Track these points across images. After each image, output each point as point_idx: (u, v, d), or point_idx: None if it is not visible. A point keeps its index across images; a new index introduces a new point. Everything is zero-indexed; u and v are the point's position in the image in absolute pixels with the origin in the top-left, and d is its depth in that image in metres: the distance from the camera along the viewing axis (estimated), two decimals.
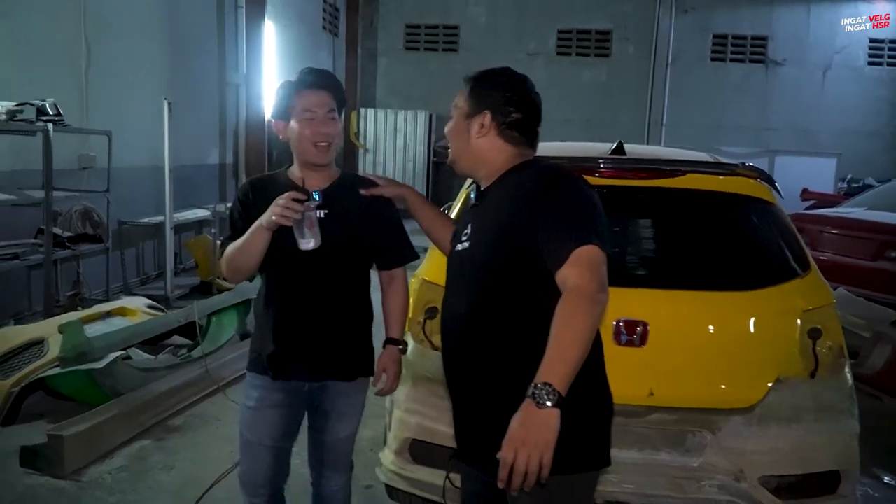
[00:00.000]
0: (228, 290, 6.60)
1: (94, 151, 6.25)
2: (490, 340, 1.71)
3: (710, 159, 2.81)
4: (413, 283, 2.79)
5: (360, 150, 14.73)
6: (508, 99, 1.76)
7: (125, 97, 6.88)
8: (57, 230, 5.39)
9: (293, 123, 2.05)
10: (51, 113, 5.04)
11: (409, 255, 2.30)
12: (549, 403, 1.40)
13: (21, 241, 5.16)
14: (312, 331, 2.12)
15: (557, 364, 1.44)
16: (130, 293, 6.62)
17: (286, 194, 1.92)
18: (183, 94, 7.60)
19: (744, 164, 2.67)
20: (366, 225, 2.16)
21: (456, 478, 2.48)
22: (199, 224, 8.26)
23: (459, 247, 1.81)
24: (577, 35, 15.55)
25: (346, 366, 2.20)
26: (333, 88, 2.10)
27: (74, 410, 3.73)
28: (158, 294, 6.59)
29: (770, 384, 2.35)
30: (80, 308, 5.36)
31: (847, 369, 2.49)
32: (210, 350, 4.55)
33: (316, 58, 12.96)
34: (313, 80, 2.06)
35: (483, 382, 1.72)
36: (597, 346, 1.73)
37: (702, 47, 15.38)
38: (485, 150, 1.79)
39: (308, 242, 1.94)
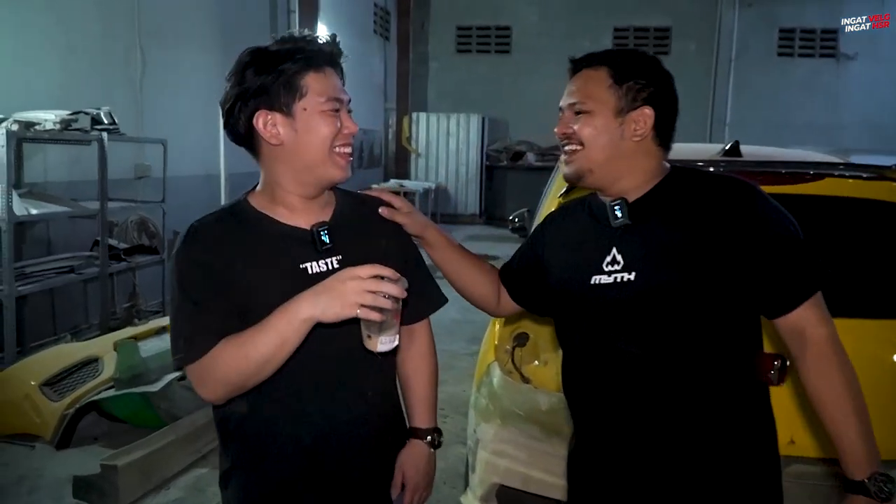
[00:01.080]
0: None
1: (149, 160, 6.14)
2: (680, 387, 1.40)
3: (841, 161, 2.43)
4: None
5: (413, 155, 14.52)
6: (667, 92, 1.43)
7: (179, 105, 6.77)
8: (112, 241, 5.26)
9: (301, 118, 1.32)
10: (105, 122, 4.89)
11: (436, 301, 1.62)
12: (891, 492, 1.24)
13: (77, 253, 5.03)
14: (351, 436, 1.44)
15: (868, 444, 1.27)
16: None
17: (366, 271, 1.20)
18: None
19: (894, 166, 2.28)
20: (386, 260, 1.38)
21: None
22: None
23: (603, 279, 1.43)
24: (634, 33, 15.05)
25: (388, 468, 1.57)
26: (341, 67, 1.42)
27: (129, 434, 3.55)
28: None
29: None
30: (136, 321, 5.22)
31: None
32: None
33: (368, 62, 12.83)
34: (333, 53, 1.37)
35: (656, 434, 1.42)
36: (765, 394, 1.48)
37: (767, 42, 14.70)
38: (638, 155, 1.42)
39: (392, 341, 1.25)
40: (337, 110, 1.35)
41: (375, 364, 1.43)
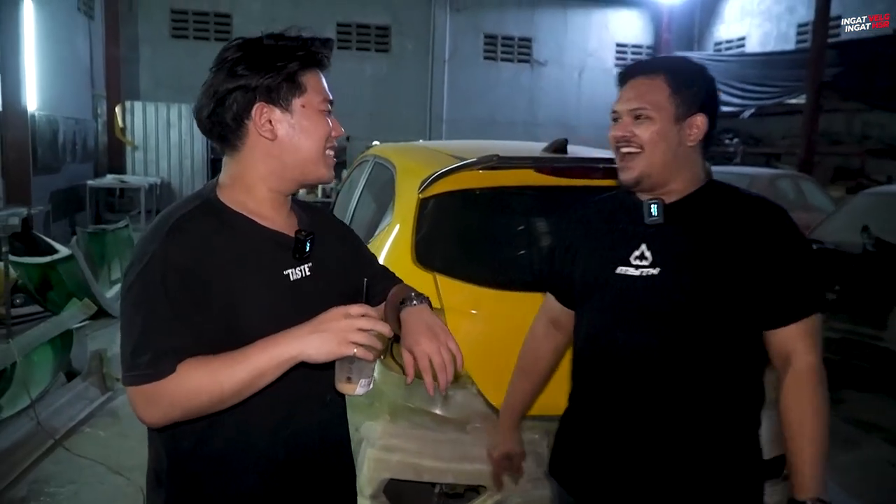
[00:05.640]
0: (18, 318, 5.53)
1: None
2: (685, 379, 1.48)
3: None
4: None
5: (129, 148, 13.17)
6: (714, 95, 1.51)
7: None
8: None
9: (298, 115, 1.29)
10: None
11: (395, 276, 1.64)
12: None
13: None
14: (317, 447, 1.42)
15: (817, 471, 1.37)
16: None
17: (357, 310, 1.19)
18: None
19: None
20: (350, 269, 1.48)
21: None
22: None
23: (629, 271, 1.51)
24: (356, 29, 15.41)
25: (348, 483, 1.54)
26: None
27: None
28: None
29: None
30: None
31: None
32: (36, 397, 3.70)
33: (72, 43, 11.34)
34: (327, 55, 1.34)
35: (666, 421, 1.50)
36: (761, 402, 1.57)
37: (475, 46, 16.09)
38: (688, 160, 1.50)
39: (369, 384, 1.25)
40: (329, 111, 1.34)
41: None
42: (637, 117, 1.48)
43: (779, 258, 1.44)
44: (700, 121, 1.48)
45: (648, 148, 1.48)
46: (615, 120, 1.53)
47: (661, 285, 1.48)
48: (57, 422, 3.72)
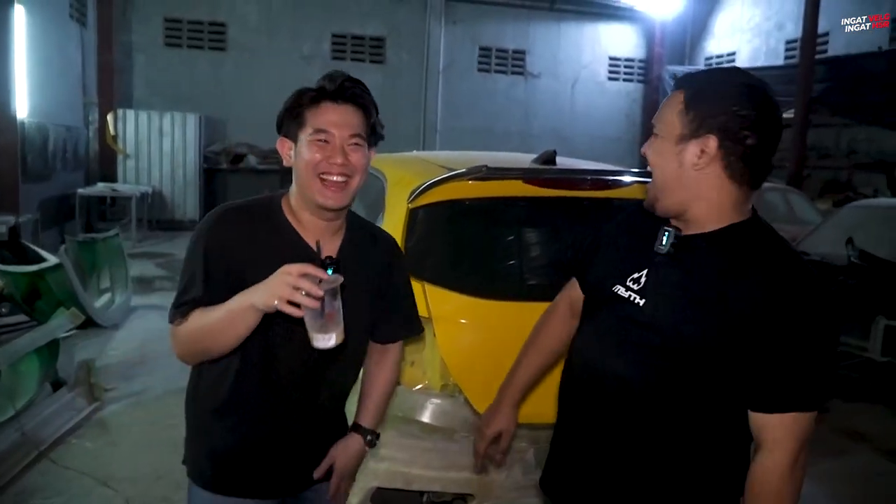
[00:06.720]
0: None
1: None
2: (657, 420, 1.38)
3: (629, 170, 2.88)
4: None
5: (120, 156, 13.14)
6: (744, 118, 1.29)
7: None
8: None
9: (300, 145, 1.51)
10: None
11: (416, 326, 1.80)
12: None
13: None
14: (300, 432, 1.65)
15: None
16: None
17: (297, 268, 1.30)
18: None
19: None
20: (377, 291, 1.68)
21: None
22: None
23: (620, 291, 1.43)
24: (351, 40, 15.46)
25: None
26: (363, 104, 1.55)
27: None
28: None
29: None
30: None
31: None
32: (22, 407, 3.67)
33: (64, 50, 11.32)
34: (334, 91, 1.50)
35: (631, 447, 1.43)
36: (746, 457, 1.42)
37: (470, 58, 16.17)
38: (702, 187, 1.33)
39: (328, 339, 1.35)
40: (324, 141, 1.50)
41: (333, 369, 1.63)
42: (654, 134, 1.40)
43: (785, 336, 1.26)
44: (710, 144, 1.30)
45: (652, 169, 1.40)
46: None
47: (641, 319, 1.38)
48: (43, 433, 3.68)
